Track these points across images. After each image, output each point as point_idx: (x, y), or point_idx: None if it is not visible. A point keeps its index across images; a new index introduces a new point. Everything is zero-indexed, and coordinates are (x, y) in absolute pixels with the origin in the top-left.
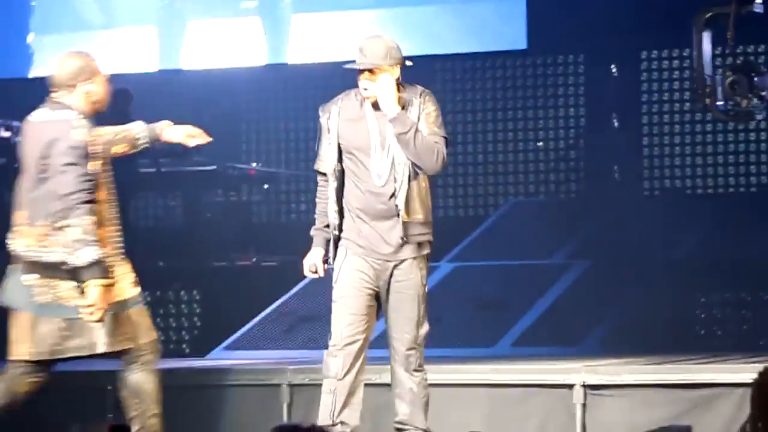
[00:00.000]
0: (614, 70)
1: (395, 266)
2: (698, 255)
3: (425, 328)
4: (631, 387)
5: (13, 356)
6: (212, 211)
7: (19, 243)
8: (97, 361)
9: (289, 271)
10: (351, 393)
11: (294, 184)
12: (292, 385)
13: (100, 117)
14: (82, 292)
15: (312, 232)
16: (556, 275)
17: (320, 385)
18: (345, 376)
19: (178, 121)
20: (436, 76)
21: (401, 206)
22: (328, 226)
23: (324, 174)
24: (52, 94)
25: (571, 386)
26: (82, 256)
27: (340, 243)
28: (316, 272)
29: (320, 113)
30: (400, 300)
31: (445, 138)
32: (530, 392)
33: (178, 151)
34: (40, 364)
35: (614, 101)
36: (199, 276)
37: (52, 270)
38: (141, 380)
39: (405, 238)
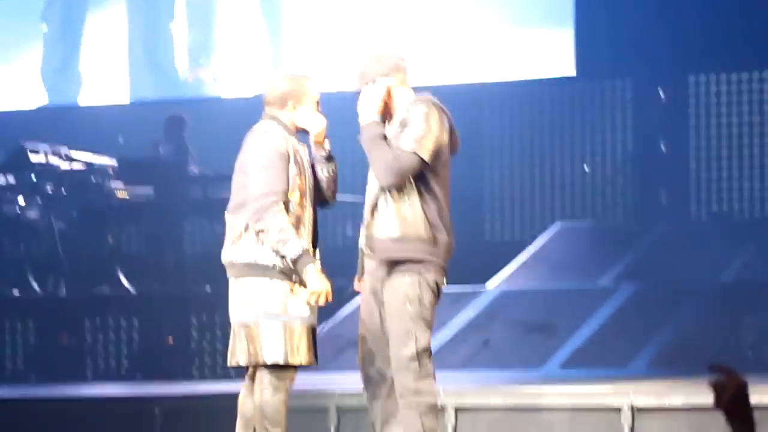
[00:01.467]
0: (662, 95)
1: (383, 281)
2: (746, 278)
3: (409, 348)
4: (680, 410)
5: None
6: None
7: (224, 250)
8: (146, 384)
9: (337, 294)
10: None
11: (340, 209)
12: (340, 409)
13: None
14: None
15: None
16: (602, 299)
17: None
18: (380, 417)
19: (226, 145)
20: (485, 103)
21: (366, 217)
22: None
23: None
24: (266, 109)
25: (618, 409)
26: (289, 251)
27: None
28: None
29: None
30: (384, 317)
31: (414, 153)
32: (577, 414)
33: (225, 177)
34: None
35: (662, 126)
36: None
37: (246, 270)
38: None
39: (369, 250)
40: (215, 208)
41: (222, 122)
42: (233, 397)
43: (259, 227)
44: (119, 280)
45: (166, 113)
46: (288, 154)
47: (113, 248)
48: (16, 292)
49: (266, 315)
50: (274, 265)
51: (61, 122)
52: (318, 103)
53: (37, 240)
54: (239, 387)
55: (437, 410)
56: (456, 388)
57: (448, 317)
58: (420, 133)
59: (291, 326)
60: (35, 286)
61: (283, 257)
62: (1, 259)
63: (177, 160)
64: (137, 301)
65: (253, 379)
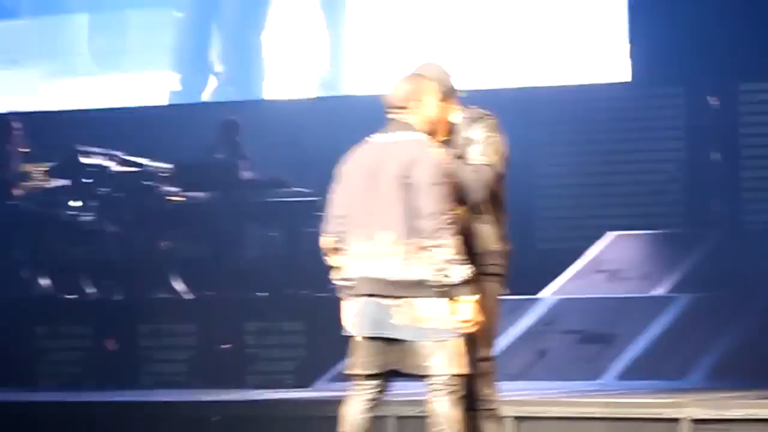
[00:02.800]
0: (714, 103)
1: None
2: None
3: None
4: (740, 422)
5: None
6: (314, 242)
7: (387, 267)
8: (203, 390)
9: None
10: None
11: None
12: (399, 418)
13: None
14: (447, 310)
15: None
16: (659, 308)
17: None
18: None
19: (273, 150)
20: (539, 108)
21: None
22: None
23: None
24: (390, 116)
25: (677, 420)
26: (455, 275)
27: None
28: None
29: None
30: None
31: (489, 165)
32: (635, 426)
33: (280, 181)
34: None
35: (715, 134)
36: (302, 306)
37: (414, 289)
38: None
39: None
40: (270, 213)
41: (275, 125)
42: (290, 405)
43: (432, 244)
44: (174, 285)
45: (221, 116)
46: (446, 170)
47: (168, 252)
48: (70, 297)
49: (438, 331)
50: (442, 284)
51: (112, 126)
52: (442, 100)
53: (91, 244)
54: (295, 395)
55: (498, 417)
56: (515, 398)
57: (503, 327)
58: (491, 146)
59: (460, 340)
60: (90, 290)
61: (446, 276)
62: (55, 263)
63: (231, 164)
64: (193, 307)
65: (371, 389)
